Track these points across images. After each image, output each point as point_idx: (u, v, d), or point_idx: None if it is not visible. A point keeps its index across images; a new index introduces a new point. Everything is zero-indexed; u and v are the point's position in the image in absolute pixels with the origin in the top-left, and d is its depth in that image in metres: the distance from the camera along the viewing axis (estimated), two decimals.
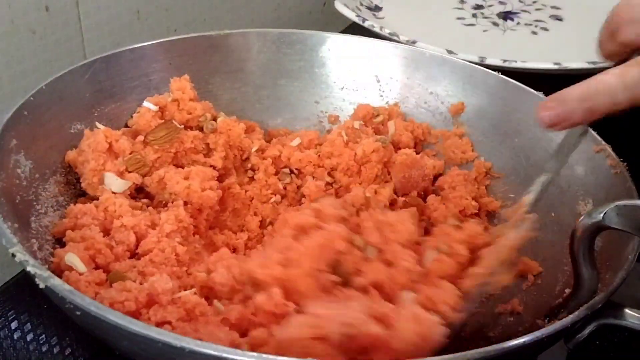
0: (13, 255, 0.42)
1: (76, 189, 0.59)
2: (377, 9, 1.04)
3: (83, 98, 0.62)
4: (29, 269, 0.41)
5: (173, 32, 0.84)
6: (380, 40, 0.77)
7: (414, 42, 0.82)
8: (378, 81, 0.74)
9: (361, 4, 1.02)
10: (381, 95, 0.74)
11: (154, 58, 0.68)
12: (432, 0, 1.10)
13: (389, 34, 0.86)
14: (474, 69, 0.71)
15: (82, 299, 0.38)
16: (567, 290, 0.51)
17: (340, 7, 0.94)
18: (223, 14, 0.92)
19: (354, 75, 0.75)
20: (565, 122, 0.47)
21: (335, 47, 0.74)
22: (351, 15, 0.92)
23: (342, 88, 0.75)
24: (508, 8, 1.10)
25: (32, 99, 0.56)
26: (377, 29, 0.88)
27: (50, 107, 0.58)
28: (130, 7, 0.76)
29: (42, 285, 0.40)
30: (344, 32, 0.77)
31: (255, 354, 0.35)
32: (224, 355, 0.35)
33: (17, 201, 0.51)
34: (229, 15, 0.93)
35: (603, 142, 0.58)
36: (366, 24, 0.90)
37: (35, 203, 0.54)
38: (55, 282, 0.40)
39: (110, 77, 0.65)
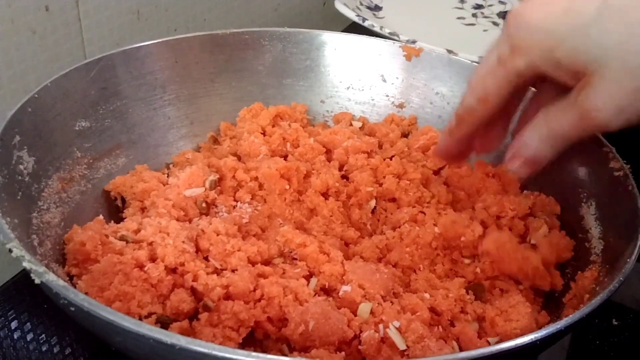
0: (10, 250, 0.42)
1: (80, 186, 0.59)
2: (377, 8, 1.04)
3: (88, 95, 0.62)
4: (24, 264, 0.41)
5: (173, 32, 0.84)
6: (387, 40, 0.77)
7: (414, 42, 0.82)
8: (384, 81, 0.74)
9: (361, 4, 1.02)
10: (387, 95, 0.74)
11: (160, 56, 0.68)
12: (432, 0, 1.10)
13: (389, 33, 0.86)
14: None
15: (76, 295, 0.38)
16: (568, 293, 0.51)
17: (340, 7, 0.94)
18: (223, 14, 0.92)
19: (360, 75, 0.75)
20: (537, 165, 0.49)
21: (342, 46, 0.74)
22: (351, 15, 0.92)
23: (348, 87, 0.75)
24: (508, 8, 1.10)
25: (36, 95, 0.56)
26: (377, 29, 0.88)
27: (54, 104, 0.58)
28: (130, 7, 0.76)
29: (37, 281, 0.40)
30: (344, 32, 0.77)
31: (244, 351, 0.35)
32: (214, 352, 0.35)
33: (18, 197, 0.51)
34: (229, 15, 0.93)
35: (607, 144, 0.58)
36: (366, 24, 0.89)
37: (37, 199, 0.54)
38: (50, 278, 0.40)
39: (116, 75, 0.65)
